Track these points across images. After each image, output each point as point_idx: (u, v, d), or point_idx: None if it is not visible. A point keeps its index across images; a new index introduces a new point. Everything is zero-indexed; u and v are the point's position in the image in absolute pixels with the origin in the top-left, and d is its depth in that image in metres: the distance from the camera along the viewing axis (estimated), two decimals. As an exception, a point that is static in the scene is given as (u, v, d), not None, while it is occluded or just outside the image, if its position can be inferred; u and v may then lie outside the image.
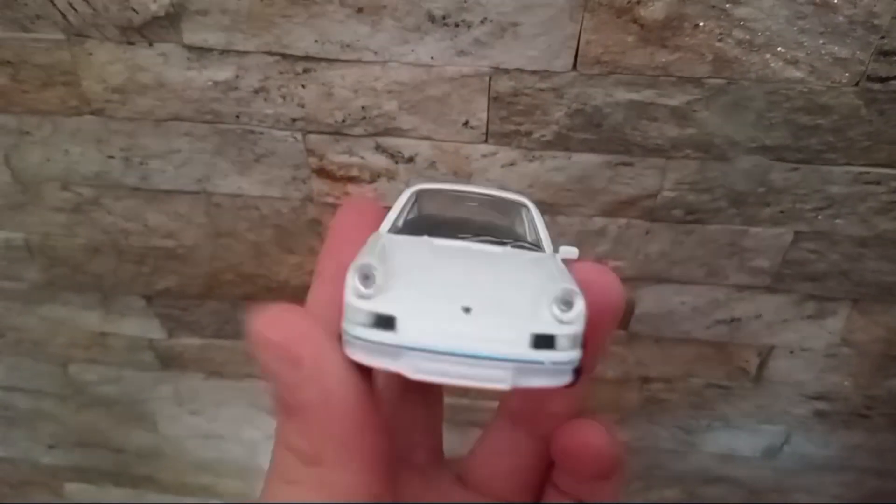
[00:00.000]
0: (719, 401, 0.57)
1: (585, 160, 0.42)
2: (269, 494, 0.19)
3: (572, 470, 0.22)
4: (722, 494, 0.64)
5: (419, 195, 0.26)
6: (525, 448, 0.25)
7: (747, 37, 0.36)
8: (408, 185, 0.27)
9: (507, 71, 0.39)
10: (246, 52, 0.40)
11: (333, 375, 0.18)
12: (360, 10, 0.37)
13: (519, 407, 0.25)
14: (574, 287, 0.19)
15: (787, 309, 0.49)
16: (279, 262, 0.51)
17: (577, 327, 0.18)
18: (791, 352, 0.52)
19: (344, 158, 0.44)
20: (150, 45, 0.40)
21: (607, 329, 0.22)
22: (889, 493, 0.61)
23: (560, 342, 0.18)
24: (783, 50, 0.36)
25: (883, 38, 0.35)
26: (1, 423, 0.71)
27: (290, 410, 0.19)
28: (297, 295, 0.52)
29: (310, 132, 0.43)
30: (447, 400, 0.29)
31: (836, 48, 0.36)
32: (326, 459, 0.18)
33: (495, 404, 0.27)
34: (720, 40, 0.36)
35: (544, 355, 0.18)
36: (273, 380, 0.19)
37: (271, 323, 0.19)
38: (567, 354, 0.18)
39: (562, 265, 0.22)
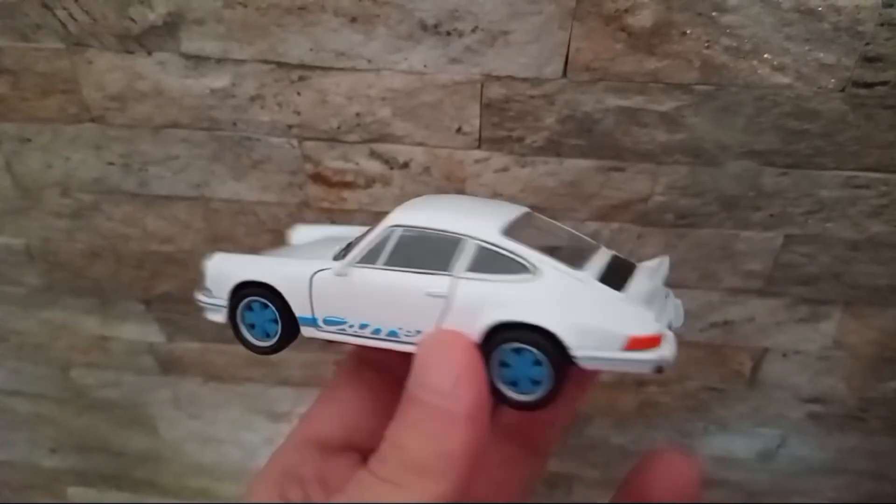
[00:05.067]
0: (714, 404, 0.57)
1: (577, 165, 0.43)
2: (355, 484, 0.20)
3: (656, 496, 0.22)
4: (718, 497, 0.64)
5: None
6: (516, 460, 0.25)
7: (734, 44, 0.36)
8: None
9: (498, 78, 0.39)
10: (242, 61, 0.40)
11: (481, 401, 0.20)
12: (353, 19, 0.38)
13: (511, 420, 0.26)
14: None
15: (779, 312, 0.49)
16: (276, 266, 0.51)
17: None
18: (784, 355, 0.52)
19: (339, 164, 0.44)
20: (149, 53, 0.41)
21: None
22: (885, 496, 0.61)
23: None
24: (770, 56, 0.37)
25: (867, 44, 0.35)
26: (2, 426, 0.71)
27: (425, 416, 0.20)
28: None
29: (305, 139, 0.43)
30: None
31: (822, 54, 0.36)
32: (435, 474, 0.19)
33: None
34: (708, 47, 0.37)
35: None
36: (432, 383, 0.20)
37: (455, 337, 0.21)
38: None
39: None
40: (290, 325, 0.28)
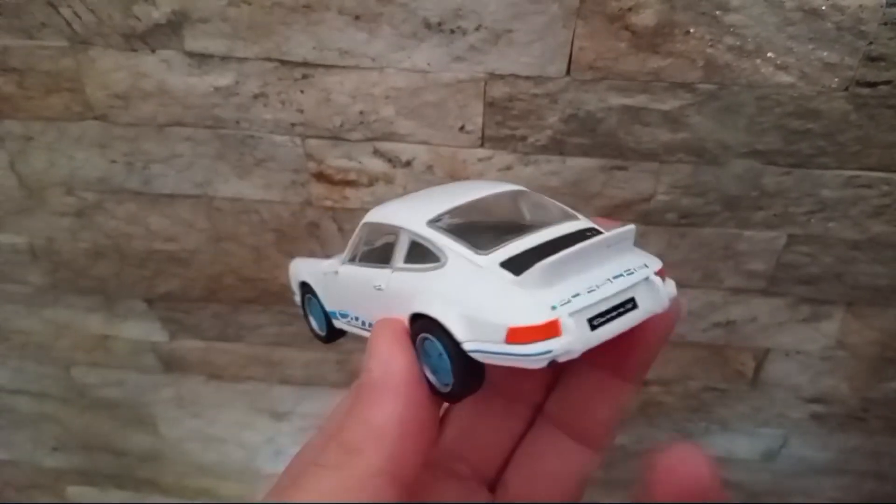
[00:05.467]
0: (716, 404, 0.57)
1: (580, 164, 0.43)
2: (302, 476, 0.20)
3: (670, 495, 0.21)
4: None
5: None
6: (566, 452, 0.25)
7: (738, 43, 0.37)
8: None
9: (502, 77, 0.39)
10: (246, 59, 0.40)
11: (404, 374, 0.20)
12: (357, 18, 0.38)
13: (555, 407, 0.26)
14: None
15: (781, 312, 0.49)
16: (279, 265, 0.51)
17: None
18: (787, 354, 0.52)
19: (342, 163, 0.45)
20: (153, 52, 0.41)
21: (658, 338, 0.22)
22: (886, 496, 0.61)
23: None
24: (773, 55, 0.37)
25: (870, 44, 0.36)
26: (5, 425, 0.71)
27: (358, 398, 0.21)
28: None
29: (309, 137, 0.44)
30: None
31: (825, 54, 0.36)
32: (367, 450, 0.20)
33: None
34: (711, 46, 0.37)
35: None
36: (367, 365, 0.21)
37: None
38: None
39: None
40: (328, 316, 0.30)
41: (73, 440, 0.72)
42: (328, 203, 0.47)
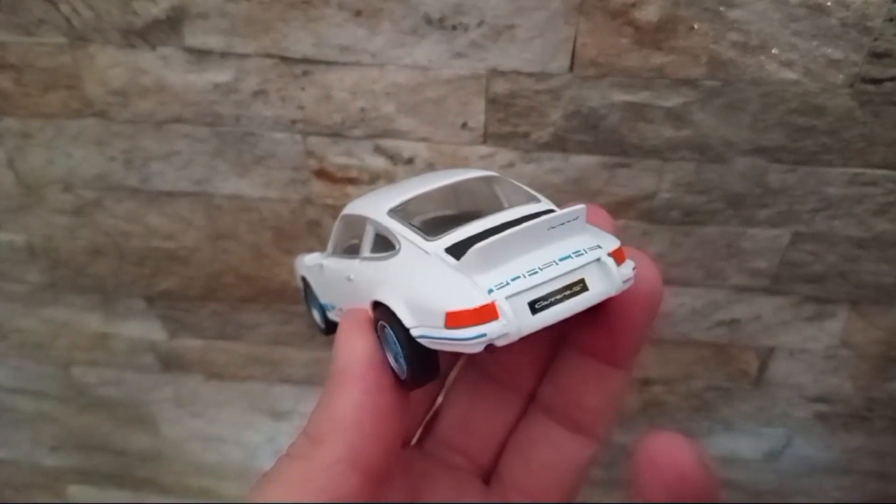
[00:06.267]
0: (720, 403, 0.56)
1: (582, 161, 0.42)
2: (274, 468, 0.21)
3: (656, 485, 0.21)
4: (723, 497, 0.64)
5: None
6: (559, 441, 0.25)
7: (742, 39, 0.36)
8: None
9: (503, 73, 0.39)
10: (245, 55, 0.40)
11: (364, 362, 0.21)
12: (357, 14, 0.38)
13: (547, 397, 0.25)
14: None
15: (786, 311, 0.49)
16: (278, 263, 0.51)
17: None
18: (791, 354, 0.52)
19: (343, 160, 0.44)
20: (152, 48, 0.41)
21: (640, 320, 0.22)
22: (890, 496, 0.61)
23: None
24: (777, 52, 0.36)
25: (875, 40, 0.35)
26: (4, 425, 0.71)
27: (324, 388, 0.21)
28: (295, 297, 0.52)
29: (309, 134, 0.43)
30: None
31: (830, 50, 0.36)
32: (327, 439, 0.20)
33: None
34: (715, 42, 0.36)
35: None
36: (333, 356, 0.21)
37: None
38: None
39: None
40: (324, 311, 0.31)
41: (72, 439, 0.71)
42: (329, 201, 0.46)
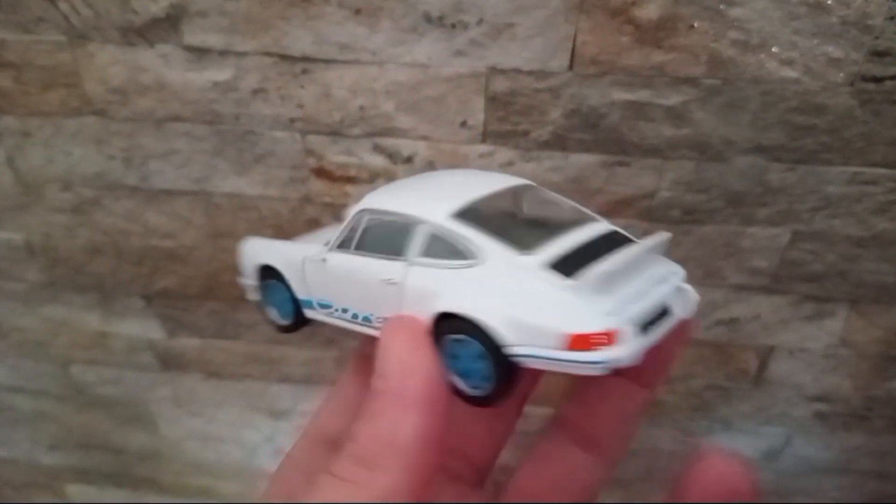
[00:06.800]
0: (719, 402, 0.56)
1: (582, 160, 0.42)
2: (318, 487, 0.19)
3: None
4: None
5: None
6: (573, 457, 0.25)
7: (742, 37, 0.36)
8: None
9: (503, 71, 0.39)
10: (245, 54, 0.40)
11: (431, 387, 0.19)
12: (357, 12, 0.38)
13: (569, 414, 0.25)
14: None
15: (785, 310, 0.49)
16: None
17: None
18: (790, 353, 0.52)
19: (342, 159, 0.44)
20: (151, 46, 0.41)
21: (677, 344, 0.22)
22: (889, 496, 0.61)
23: None
24: (778, 50, 0.36)
25: (876, 38, 0.35)
26: (3, 423, 0.71)
27: (376, 406, 0.19)
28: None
29: (308, 132, 0.43)
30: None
31: (831, 49, 0.36)
32: (387, 466, 0.18)
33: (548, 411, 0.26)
34: (715, 41, 0.36)
35: None
36: (383, 370, 0.19)
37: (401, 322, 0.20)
38: None
39: None
40: (298, 305, 0.28)
41: (70, 438, 0.71)
42: (328, 199, 0.46)
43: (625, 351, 0.19)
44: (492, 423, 0.26)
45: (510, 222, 0.24)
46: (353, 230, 0.25)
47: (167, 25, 0.39)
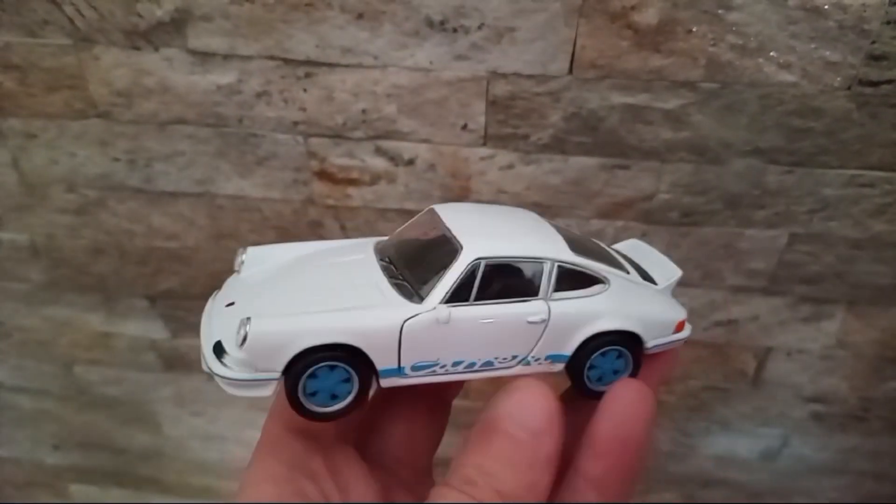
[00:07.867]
0: (717, 403, 0.57)
1: (582, 163, 0.43)
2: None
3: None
4: (720, 497, 0.64)
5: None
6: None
7: (740, 41, 0.37)
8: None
9: (504, 75, 0.39)
10: (248, 57, 0.40)
11: (560, 447, 0.22)
12: (360, 16, 0.38)
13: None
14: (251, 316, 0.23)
15: (783, 311, 0.49)
16: (280, 263, 0.51)
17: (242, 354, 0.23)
18: (788, 354, 0.52)
19: (344, 161, 0.45)
20: (156, 49, 0.41)
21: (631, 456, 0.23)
22: (886, 496, 0.61)
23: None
24: (776, 54, 0.37)
25: (873, 42, 0.36)
26: (6, 423, 0.71)
27: (517, 451, 0.22)
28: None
29: (311, 135, 0.44)
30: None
31: (828, 52, 0.36)
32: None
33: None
34: (713, 45, 0.37)
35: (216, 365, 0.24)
36: (528, 423, 0.22)
37: None
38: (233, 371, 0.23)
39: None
40: (366, 380, 0.25)
41: (73, 438, 0.72)
42: (330, 201, 0.47)
43: (690, 329, 0.28)
44: (429, 428, 0.29)
45: (594, 250, 0.29)
46: (468, 281, 0.25)
47: (172, 29, 0.40)
